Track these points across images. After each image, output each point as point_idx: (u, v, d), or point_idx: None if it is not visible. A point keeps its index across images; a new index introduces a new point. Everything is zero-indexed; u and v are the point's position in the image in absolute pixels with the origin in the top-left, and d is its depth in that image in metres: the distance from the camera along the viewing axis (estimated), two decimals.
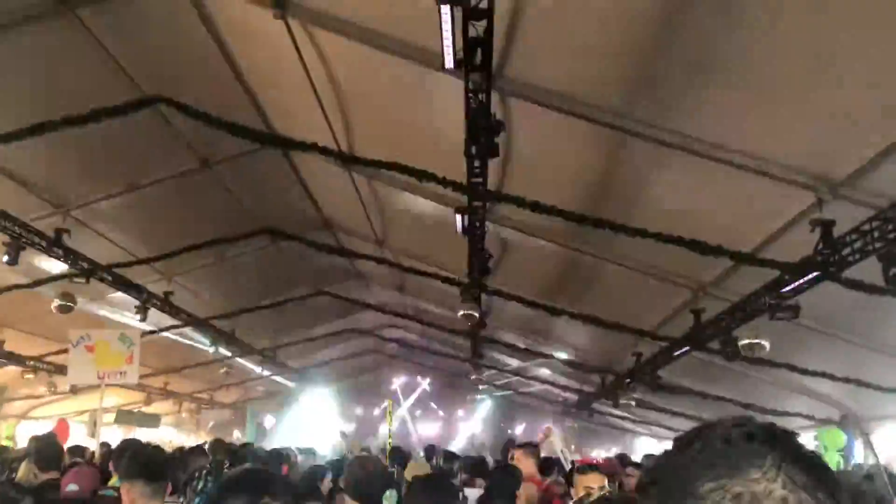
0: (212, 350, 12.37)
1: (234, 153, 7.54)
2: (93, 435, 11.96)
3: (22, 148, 6.04)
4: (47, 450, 4.97)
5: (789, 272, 5.68)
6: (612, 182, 6.22)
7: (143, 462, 3.17)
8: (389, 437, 8.54)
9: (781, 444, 0.75)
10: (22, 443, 12.34)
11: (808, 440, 10.69)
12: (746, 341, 7.07)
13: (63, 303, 8.72)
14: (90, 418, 12.87)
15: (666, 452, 0.82)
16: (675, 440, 0.81)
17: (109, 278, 8.84)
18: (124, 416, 12.75)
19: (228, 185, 8.33)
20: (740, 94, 4.54)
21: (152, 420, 12.68)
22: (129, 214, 8.31)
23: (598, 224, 5.81)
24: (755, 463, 0.73)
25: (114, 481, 4.40)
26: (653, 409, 12.39)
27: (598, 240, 6.85)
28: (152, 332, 11.06)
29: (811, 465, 0.74)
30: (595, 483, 3.94)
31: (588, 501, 2.94)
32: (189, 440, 16.61)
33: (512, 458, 5.50)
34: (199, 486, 3.08)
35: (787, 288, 5.87)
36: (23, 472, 5.05)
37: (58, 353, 11.83)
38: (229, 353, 13.64)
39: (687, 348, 8.48)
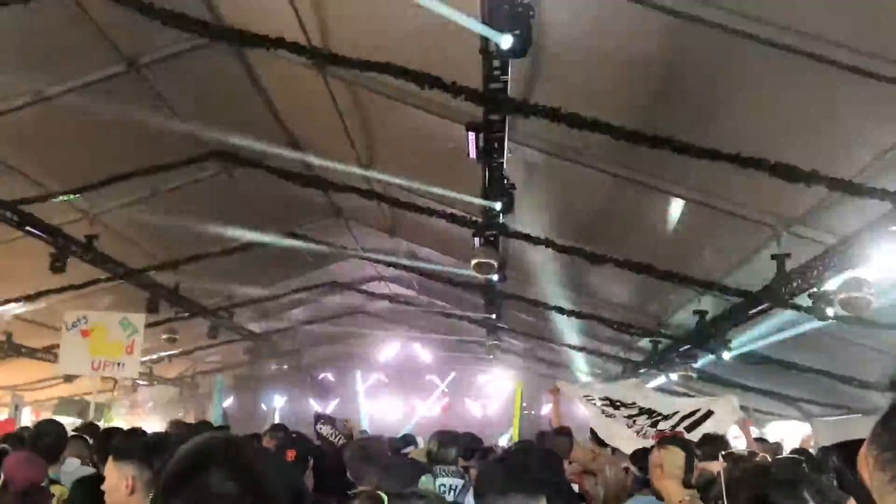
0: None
1: (172, 52, 7.45)
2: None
3: None
4: None
5: None
6: (673, 88, 6.10)
7: (148, 443, 3.66)
8: (517, 424, 8.73)
9: None
10: None
11: None
12: (845, 295, 7.03)
13: None
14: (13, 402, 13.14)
15: None
16: None
17: (15, 218, 8.81)
18: (70, 406, 12.95)
19: (164, 95, 8.21)
20: None
21: (79, 407, 12.76)
22: (37, 134, 8.23)
23: (655, 143, 5.71)
24: None
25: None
26: (719, 384, 12.47)
27: (653, 165, 6.78)
28: (74, 287, 11.10)
29: None
30: None
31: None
32: (125, 426, 16.84)
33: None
34: None
35: None
36: None
37: None
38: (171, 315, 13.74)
39: (766, 305, 8.48)
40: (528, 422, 16.10)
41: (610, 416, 7.97)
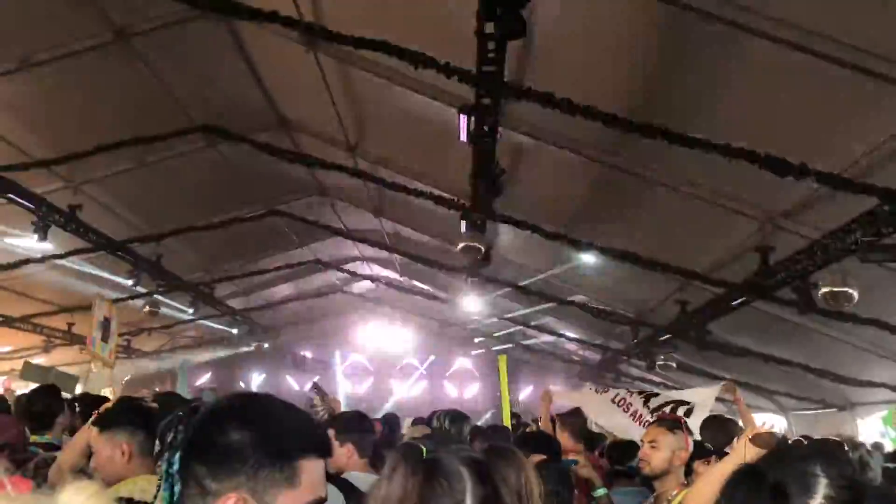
0: (130, 283, 12.32)
1: (161, 23, 7.37)
2: None
3: None
4: None
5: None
6: (670, 77, 6.11)
7: (141, 410, 3.63)
8: (506, 400, 8.24)
9: None
10: None
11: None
12: (828, 290, 7.04)
13: None
14: None
15: None
16: None
17: None
18: (35, 372, 12.67)
19: (153, 66, 8.12)
20: None
21: (69, 382, 12.50)
22: (21, 100, 8.12)
23: (647, 132, 5.71)
24: None
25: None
26: (699, 375, 12.57)
27: (643, 154, 6.79)
28: (54, 257, 11.02)
29: None
30: None
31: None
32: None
33: None
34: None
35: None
36: None
37: None
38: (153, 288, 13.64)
39: (748, 297, 8.53)
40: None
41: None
